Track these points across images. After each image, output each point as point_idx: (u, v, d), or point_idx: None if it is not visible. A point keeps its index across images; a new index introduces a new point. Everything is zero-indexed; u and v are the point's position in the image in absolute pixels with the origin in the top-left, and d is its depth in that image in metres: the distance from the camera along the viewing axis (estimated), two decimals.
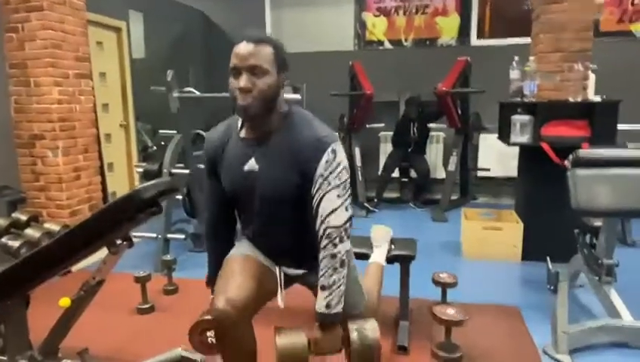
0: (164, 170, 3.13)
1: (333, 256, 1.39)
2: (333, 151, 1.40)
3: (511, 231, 3.36)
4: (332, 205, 1.39)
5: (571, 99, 3.06)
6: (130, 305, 2.57)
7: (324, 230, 1.39)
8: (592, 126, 3.03)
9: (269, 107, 1.42)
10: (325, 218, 1.39)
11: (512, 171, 5.30)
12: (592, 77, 3.15)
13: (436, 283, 2.44)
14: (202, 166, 1.67)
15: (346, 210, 1.41)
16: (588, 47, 3.09)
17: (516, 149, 4.67)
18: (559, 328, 2.10)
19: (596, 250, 2.51)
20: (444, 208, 4.70)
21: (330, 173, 1.39)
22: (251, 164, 1.47)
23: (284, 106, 1.48)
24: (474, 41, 5.37)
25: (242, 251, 1.61)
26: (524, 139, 3.14)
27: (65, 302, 1.76)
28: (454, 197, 5.17)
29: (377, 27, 5.56)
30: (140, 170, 3.20)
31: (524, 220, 3.37)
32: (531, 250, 3.32)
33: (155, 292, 2.72)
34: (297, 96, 3.22)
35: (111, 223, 1.62)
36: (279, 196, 1.47)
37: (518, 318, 2.45)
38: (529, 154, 3.33)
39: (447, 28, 5.40)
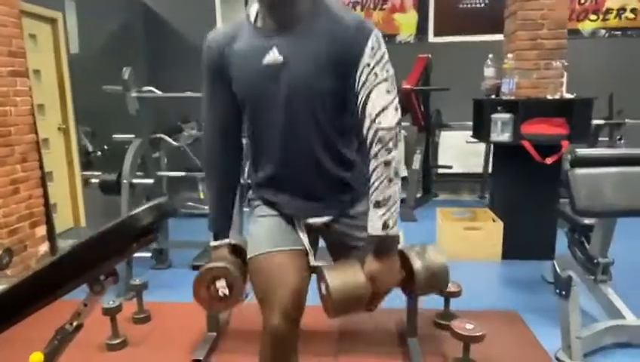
0: (124, 181, 2.76)
1: (387, 163, 1.17)
2: (378, 39, 1.18)
3: (492, 230, 3.33)
4: (382, 101, 1.16)
5: (549, 97, 3.06)
6: (98, 340, 2.21)
7: (375, 132, 1.16)
8: (569, 123, 3.05)
9: None
10: (375, 117, 1.16)
11: (471, 167, 5.44)
12: (565, 75, 3.17)
13: (440, 292, 2.32)
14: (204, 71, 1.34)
15: (396, 109, 1.18)
16: (564, 45, 3.11)
17: (476, 146, 4.76)
18: (572, 334, 2.04)
19: (589, 248, 2.51)
20: (412, 207, 4.65)
21: (377, 62, 1.17)
22: (274, 56, 1.19)
23: None
24: (431, 37, 5.36)
25: (268, 240, 1.33)
26: (505, 137, 3.11)
27: (37, 358, 1.42)
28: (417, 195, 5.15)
29: None
30: (95, 180, 2.81)
31: (503, 219, 3.35)
32: (511, 249, 3.32)
33: (123, 321, 2.36)
34: None
35: (97, 258, 1.32)
36: (312, 92, 1.20)
37: (520, 323, 2.39)
38: (506, 152, 3.30)
39: (406, 24, 5.34)
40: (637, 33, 5.01)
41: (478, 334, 1.89)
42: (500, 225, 3.32)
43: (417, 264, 1.27)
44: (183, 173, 3.27)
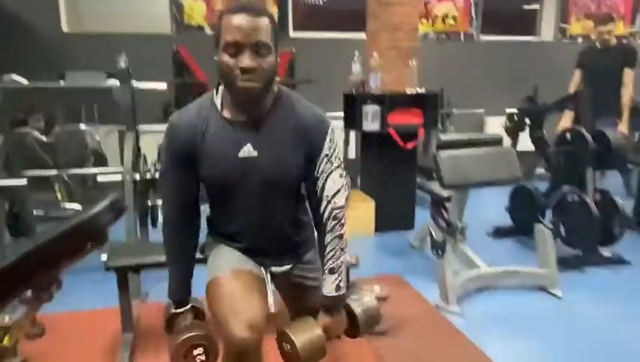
0: None
1: (341, 236, 1.39)
2: (332, 131, 1.39)
3: (365, 208, 3.76)
4: (336, 185, 1.37)
5: (408, 91, 3.58)
6: None
7: (331, 211, 1.37)
8: (423, 113, 3.62)
9: (269, 88, 1.31)
10: (331, 198, 1.37)
11: None
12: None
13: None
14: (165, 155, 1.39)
15: (345, 190, 1.42)
16: (417, 46, 3.65)
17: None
18: (448, 285, 2.52)
19: (447, 216, 3.06)
20: None
21: (333, 152, 1.38)
22: (248, 150, 1.32)
23: (275, 85, 1.37)
24: (292, 33, 5.64)
25: (230, 263, 1.42)
26: (375, 126, 3.54)
27: None
28: None
29: (195, 11, 5.29)
30: None
31: (374, 198, 3.80)
32: (381, 223, 3.80)
33: None
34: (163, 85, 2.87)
35: (48, 262, 1.23)
36: (283, 181, 1.38)
37: (405, 284, 2.83)
38: (373, 140, 3.74)
39: None
40: (456, 37, 6.03)
41: (384, 295, 2.23)
42: (372, 203, 3.77)
43: (358, 310, 1.48)
44: (54, 172, 2.96)
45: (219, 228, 1.50)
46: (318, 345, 1.36)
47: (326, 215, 1.37)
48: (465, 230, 2.95)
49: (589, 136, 3.04)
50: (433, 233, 2.63)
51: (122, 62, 2.59)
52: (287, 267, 1.52)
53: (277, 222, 1.45)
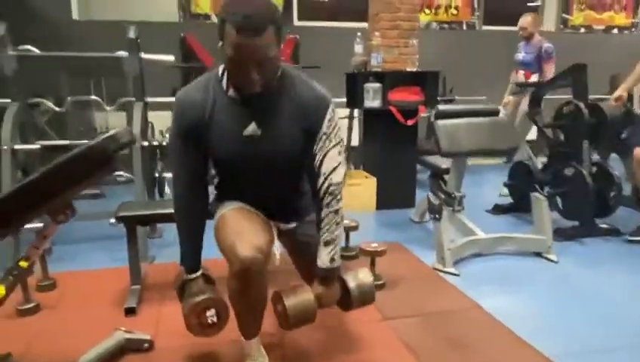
0: (4, 147, 2.52)
1: (337, 211, 1.46)
2: (333, 110, 1.45)
3: (367, 186, 3.84)
4: (334, 163, 1.44)
5: (408, 70, 3.66)
6: (7, 308, 2.05)
7: (328, 187, 1.44)
8: (423, 91, 3.70)
9: (272, 80, 1.37)
10: (328, 175, 1.44)
11: None
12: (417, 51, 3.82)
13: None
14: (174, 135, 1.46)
15: (343, 167, 1.48)
16: (416, 26, 3.74)
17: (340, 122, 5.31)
18: (445, 247, 2.60)
19: (446, 187, 3.14)
20: None
21: (332, 130, 1.44)
22: (252, 128, 1.40)
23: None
24: (296, 22, 5.75)
25: (237, 204, 1.53)
26: (376, 103, 3.63)
27: None
28: None
29: (202, 0, 5.43)
30: None
31: (375, 175, 3.88)
32: (382, 200, 3.88)
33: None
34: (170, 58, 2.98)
35: (65, 182, 1.34)
36: (285, 158, 1.46)
37: (404, 250, 2.90)
38: (374, 119, 3.83)
39: None
40: (459, 27, 6.11)
41: (381, 249, 2.31)
42: (373, 180, 3.85)
43: (352, 285, 1.56)
44: (66, 142, 3.06)
45: (226, 196, 1.59)
46: (308, 310, 1.45)
47: (323, 190, 1.44)
48: (463, 199, 3.01)
49: (584, 109, 3.10)
50: (431, 199, 2.71)
51: (132, 33, 2.69)
52: (292, 225, 1.64)
53: (280, 193, 1.56)
